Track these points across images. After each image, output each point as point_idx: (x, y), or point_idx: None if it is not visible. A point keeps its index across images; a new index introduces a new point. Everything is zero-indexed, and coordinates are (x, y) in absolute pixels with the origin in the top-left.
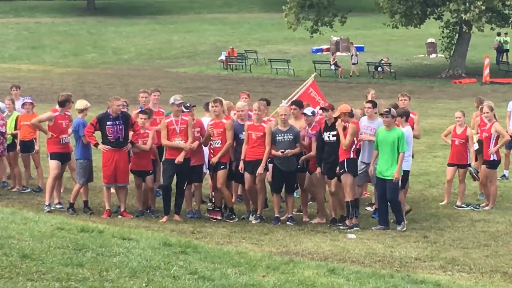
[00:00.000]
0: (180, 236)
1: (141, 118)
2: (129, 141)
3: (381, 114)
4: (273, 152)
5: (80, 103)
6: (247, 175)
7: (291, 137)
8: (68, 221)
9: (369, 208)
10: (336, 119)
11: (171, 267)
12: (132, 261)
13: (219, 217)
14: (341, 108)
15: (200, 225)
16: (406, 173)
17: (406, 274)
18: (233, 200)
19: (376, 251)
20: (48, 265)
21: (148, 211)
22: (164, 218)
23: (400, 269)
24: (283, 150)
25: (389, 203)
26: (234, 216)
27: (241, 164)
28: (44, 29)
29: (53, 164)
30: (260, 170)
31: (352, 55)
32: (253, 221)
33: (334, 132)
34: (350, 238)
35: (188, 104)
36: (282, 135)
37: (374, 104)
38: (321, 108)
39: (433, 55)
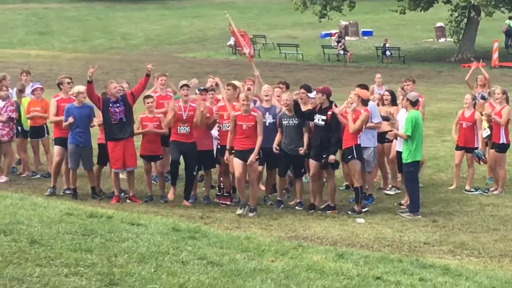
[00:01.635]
0: (189, 221)
1: (148, 103)
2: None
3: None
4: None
5: (74, 89)
6: (237, 163)
7: (297, 121)
8: (77, 206)
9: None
10: (329, 106)
11: (180, 252)
12: (141, 246)
13: (228, 202)
14: (359, 91)
15: (209, 210)
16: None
17: (415, 258)
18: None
19: (385, 235)
20: (57, 251)
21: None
22: (171, 191)
23: (409, 254)
24: (279, 146)
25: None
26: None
27: (227, 154)
28: (52, 14)
29: (56, 150)
30: (252, 158)
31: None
32: (250, 214)
33: (324, 117)
34: (359, 223)
35: (201, 87)
36: (288, 119)
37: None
38: (316, 91)
39: (442, 39)
